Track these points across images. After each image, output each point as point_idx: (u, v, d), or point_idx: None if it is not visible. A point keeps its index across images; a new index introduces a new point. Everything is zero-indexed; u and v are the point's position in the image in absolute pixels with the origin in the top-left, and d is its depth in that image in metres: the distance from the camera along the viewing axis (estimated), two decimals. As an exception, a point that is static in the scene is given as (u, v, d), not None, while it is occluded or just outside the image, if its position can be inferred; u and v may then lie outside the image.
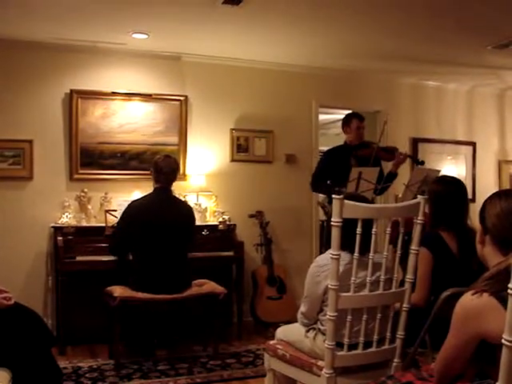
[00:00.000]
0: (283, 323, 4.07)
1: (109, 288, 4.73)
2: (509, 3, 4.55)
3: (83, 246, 5.31)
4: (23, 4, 4.57)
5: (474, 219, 2.25)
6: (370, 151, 5.55)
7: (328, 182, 5.14)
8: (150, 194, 4.92)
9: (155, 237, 4.69)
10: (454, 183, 3.50)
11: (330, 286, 2.78)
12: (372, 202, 4.80)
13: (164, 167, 4.83)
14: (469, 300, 1.89)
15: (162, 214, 4.75)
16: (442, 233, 3.36)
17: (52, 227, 5.52)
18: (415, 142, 7.39)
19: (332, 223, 2.72)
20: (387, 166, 5.83)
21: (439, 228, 3.36)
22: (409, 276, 3.05)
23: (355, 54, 6.17)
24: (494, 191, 2.15)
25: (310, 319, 3.16)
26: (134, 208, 4.80)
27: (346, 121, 5.81)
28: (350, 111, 8.05)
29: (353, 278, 2.84)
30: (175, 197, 5.15)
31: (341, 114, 8.91)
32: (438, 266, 3.28)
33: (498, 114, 8.00)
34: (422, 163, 5.57)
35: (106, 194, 5.75)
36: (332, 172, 5.59)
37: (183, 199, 5.63)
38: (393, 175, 5.63)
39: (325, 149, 6.06)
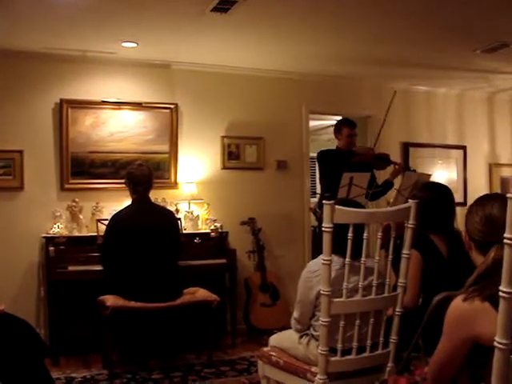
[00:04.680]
0: (277, 330, 4.06)
1: (101, 297, 4.71)
2: (495, 7, 4.57)
3: (75, 256, 5.29)
4: (12, 14, 4.56)
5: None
6: (365, 158, 5.58)
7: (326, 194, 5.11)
8: (130, 205, 4.92)
9: (141, 246, 4.68)
10: (438, 189, 3.63)
11: (322, 292, 2.77)
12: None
13: (139, 176, 4.83)
14: (460, 304, 1.91)
15: (145, 222, 4.75)
16: (430, 236, 3.43)
17: (43, 237, 5.49)
18: (406, 147, 7.41)
19: (323, 228, 2.72)
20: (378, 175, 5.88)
21: (428, 231, 3.41)
22: (401, 280, 3.06)
23: (345, 59, 6.19)
24: (487, 193, 2.18)
25: (303, 325, 3.15)
26: (117, 220, 4.80)
27: (337, 127, 5.84)
28: (340, 117, 8.08)
29: (345, 283, 2.84)
30: (155, 204, 5.16)
31: (331, 120, 8.96)
32: (427, 267, 3.33)
33: (488, 117, 8.03)
34: (414, 172, 5.61)
35: (97, 203, 5.73)
36: (325, 175, 5.60)
37: (167, 207, 5.60)
38: (389, 184, 5.66)
39: (315, 155, 6.07)
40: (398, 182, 5.57)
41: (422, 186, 3.88)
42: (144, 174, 4.85)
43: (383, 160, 5.76)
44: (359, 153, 5.71)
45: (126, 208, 4.94)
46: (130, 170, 4.92)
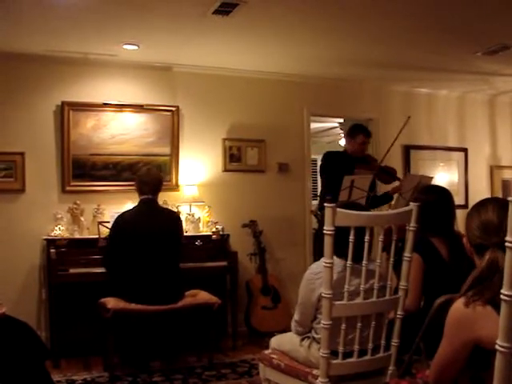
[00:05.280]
0: (278, 333, 4.06)
1: (102, 300, 4.71)
2: (496, 10, 4.57)
3: (76, 258, 5.29)
4: (12, 16, 4.57)
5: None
6: (370, 169, 5.55)
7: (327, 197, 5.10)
8: (136, 206, 4.94)
9: (144, 248, 4.69)
10: (438, 192, 3.62)
11: (323, 295, 2.77)
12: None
13: (147, 178, 4.87)
14: (461, 308, 1.91)
15: (150, 224, 4.76)
16: (431, 238, 3.42)
17: (45, 239, 5.49)
18: (407, 149, 7.40)
19: (324, 231, 2.72)
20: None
21: (429, 234, 3.40)
22: (402, 283, 3.06)
23: (346, 62, 6.19)
24: (483, 198, 2.19)
25: (304, 327, 3.15)
26: (121, 221, 4.81)
27: (352, 133, 5.77)
28: (341, 120, 8.08)
29: (346, 286, 2.83)
30: (161, 207, 5.17)
31: (332, 123, 8.97)
32: (429, 271, 3.33)
33: (489, 119, 8.03)
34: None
35: (98, 205, 5.74)
36: (330, 176, 5.58)
37: (171, 208, 5.63)
38: (389, 197, 5.65)
39: (317, 157, 6.05)
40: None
41: (421, 188, 3.87)
42: (151, 176, 4.90)
43: (389, 174, 5.74)
44: (365, 168, 5.64)
45: (131, 209, 4.97)
46: (139, 173, 5.02)
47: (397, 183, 5.75)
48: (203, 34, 5.15)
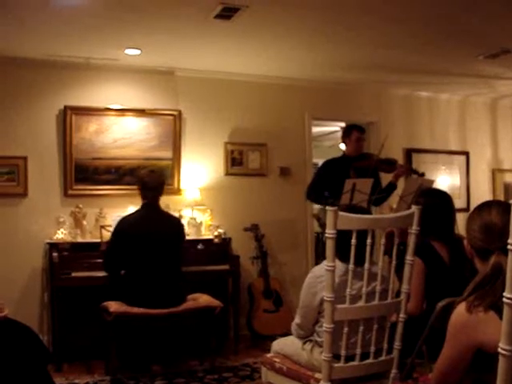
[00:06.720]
0: (280, 336, 4.05)
1: (104, 303, 4.71)
2: (496, 13, 4.58)
3: (78, 262, 5.29)
4: (15, 21, 4.58)
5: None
6: (369, 163, 5.56)
7: (326, 193, 5.14)
8: (138, 210, 4.94)
9: (146, 251, 4.69)
10: (439, 195, 3.63)
11: (325, 298, 2.77)
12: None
13: (149, 182, 4.86)
14: (463, 312, 1.90)
15: (152, 228, 4.76)
16: (432, 242, 3.42)
17: (47, 243, 5.50)
18: (409, 153, 7.41)
19: (326, 235, 2.72)
20: (385, 178, 5.85)
21: (430, 238, 3.41)
22: (404, 286, 3.05)
23: (347, 66, 6.19)
24: (485, 201, 2.18)
25: (305, 331, 3.15)
26: (124, 224, 4.81)
27: (347, 132, 5.81)
28: (342, 123, 8.08)
29: (348, 290, 2.83)
30: (163, 211, 5.16)
31: (334, 127, 8.98)
32: (430, 274, 3.33)
33: (491, 123, 8.03)
34: (423, 175, 5.56)
35: (100, 209, 5.74)
36: (330, 183, 5.58)
37: (172, 213, 5.62)
38: (392, 186, 5.64)
39: (318, 161, 6.07)
40: (401, 188, 5.55)
41: (421, 192, 3.88)
42: (154, 180, 4.89)
43: (389, 163, 5.75)
44: (364, 164, 5.66)
45: (133, 213, 4.97)
46: (141, 176, 5.00)
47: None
48: (205, 39, 5.16)
